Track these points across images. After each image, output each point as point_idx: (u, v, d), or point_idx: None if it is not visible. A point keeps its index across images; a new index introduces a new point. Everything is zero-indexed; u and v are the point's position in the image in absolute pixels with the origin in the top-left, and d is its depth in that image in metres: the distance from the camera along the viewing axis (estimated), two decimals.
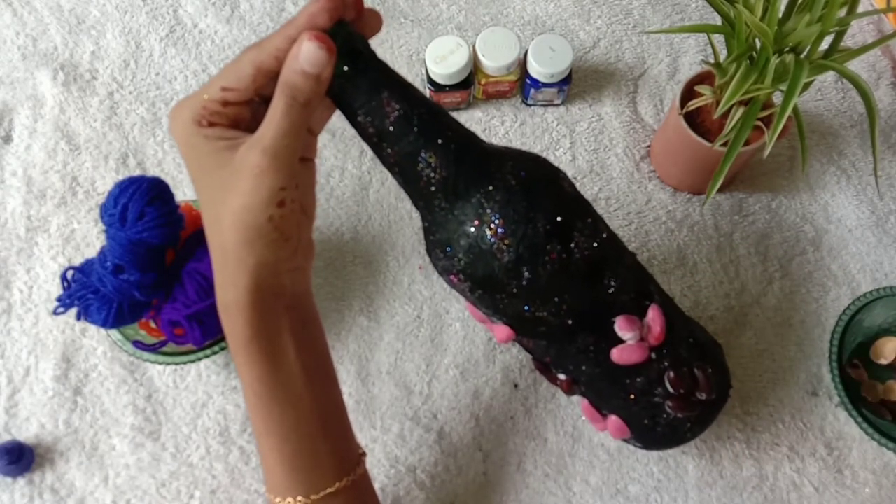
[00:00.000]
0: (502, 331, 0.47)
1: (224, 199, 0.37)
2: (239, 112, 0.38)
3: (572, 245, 0.43)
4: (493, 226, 0.42)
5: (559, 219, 0.43)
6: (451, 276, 0.44)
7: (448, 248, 0.43)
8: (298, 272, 0.42)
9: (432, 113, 0.41)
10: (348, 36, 0.38)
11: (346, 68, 0.38)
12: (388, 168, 0.42)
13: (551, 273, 0.43)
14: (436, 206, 0.42)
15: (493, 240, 0.42)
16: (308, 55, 0.36)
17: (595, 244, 0.44)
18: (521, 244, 0.42)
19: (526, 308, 0.44)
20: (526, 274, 0.42)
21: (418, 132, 0.40)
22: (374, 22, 0.40)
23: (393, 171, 0.42)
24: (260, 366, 0.41)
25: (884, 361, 0.63)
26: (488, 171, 0.42)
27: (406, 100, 0.40)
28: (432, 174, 0.41)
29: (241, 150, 0.37)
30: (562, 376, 0.52)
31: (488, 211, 0.42)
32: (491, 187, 0.42)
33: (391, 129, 0.40)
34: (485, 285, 0.43)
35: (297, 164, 0.38)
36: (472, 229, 0.42)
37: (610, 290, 0.46)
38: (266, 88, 0.38)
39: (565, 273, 0.43)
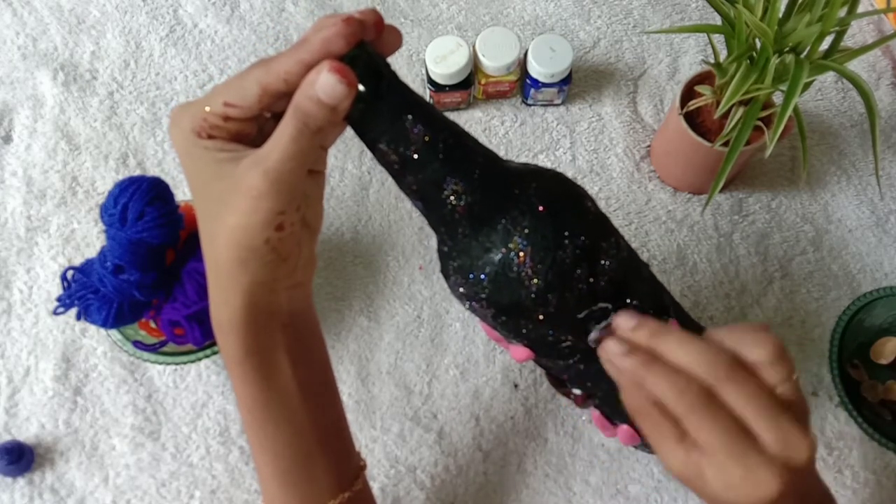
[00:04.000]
0: (521, 352, 0.45)
1: (220, 215, 0.36)
2: (242, 127, 0.36)
3: (598, 268, 0.42)
4: (521, 253, 0.40)
5: (587, 242, 0.41)
6: (473, 303, 0.43)
7: (471, 275, 0.41)
8: (297, 288, 0.41)
9: (457, 137, 0.39)
10: (369, 59, 0.36)
11: (365, 92, 0.36)
12: (408, 194, 0.40)
13: (578, 298, 0.41)
14: (458, 233, 0.41)
15: (520, 268, 0.40)
16: (326, 87, 0.34)
17: (619, 263, 0.43)
18: (549, 271, 0.40)
19: (550, 333, 0.43)
20: (553, 301, 0.41)
21: (443, 159, 0.38)
22: (393, 40, 0.38)
23: (413, 197, 0.40)
24: (253, 384, 0.40)
25: (884, 361, 0.63)
26: (513, 195, 0.40)
27: (430, 125, 0.37)
28: (457, 201, 0.39)
29: (242, 166, 0.35)
30: (577, 391, 0.51)
31: (515, 238, 0.40)
32: (517, 213, 0.40)
33: (415, 157, 0.38)
34: (509, 312, 0.42)
35: (300, 186, 0.36)
36: (498, 257, 0.40)
37: (631, 309, 0.45)
38: (273, 107, 0.36)
39: (592, 297, 0.42)
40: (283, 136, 0.35)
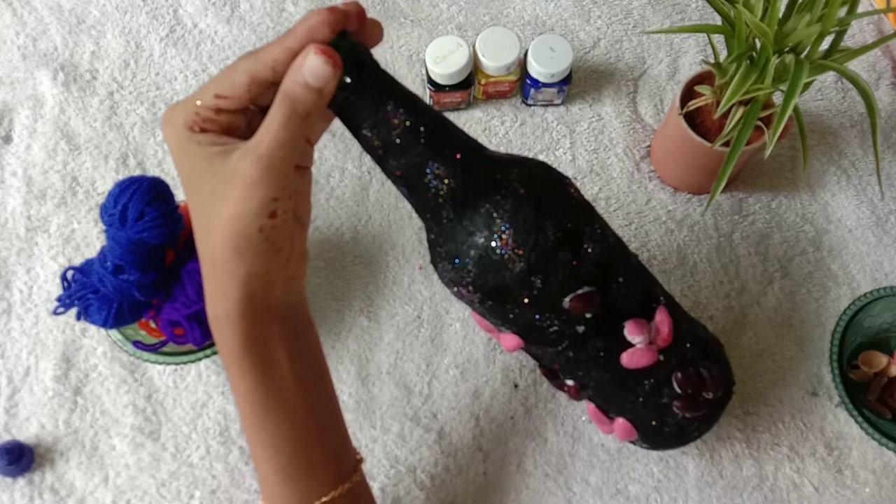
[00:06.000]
0: (511, 340, 0.46)
1: (214, 207, 0.36)
2: (232, 120, 0.37)
3: (582, 252, 0.42)
4: (503, 236, 0.41)
5: (569, 226, 0.42)
6: (461, 288, 0.43)
7: (456, 260, 0.42)
8: (291, 282, 0.41)
9: (438, 123, 0.40)
10: (352, 48, 0.37)
11: (349, 80, 0.37)
12: (393, 180, 0.41)
13: (562, 281, 0.42)
14: (443, 218, 0.42)
15: (503, 250, 0.41)
16: (312, 68, 0.35)
17: (603, 249, 0.44)
18: (532, 253, 0.41)
19: (537, 317, 0.43)
20: (537, 283, 0.42)
21: (425, 144, 0.39)
22: (375, 32, 0.40)
23: (398, 183, 0.41)
24: (251, 378, 0.40)
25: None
26: (496, 181, 0.41)
27: (412, 111, 0.39)
28: (440, 186, 0.40)
29: (234, 157, 0.36)
30: (570, 382, 0.51)
31: (498, 221, 0.41)
32: (499, 197, 0.41)
33: (397, 141, 0.39)
34: (495, 296, 0.43)
35: (291, 174, 0.37)
36: (482, 240, 0.41)
37: (618, 295, 0.45)
38: (261, 98, 0.37)
39: (576, 280, 0.42)
40: (273, 123, 0.36)
